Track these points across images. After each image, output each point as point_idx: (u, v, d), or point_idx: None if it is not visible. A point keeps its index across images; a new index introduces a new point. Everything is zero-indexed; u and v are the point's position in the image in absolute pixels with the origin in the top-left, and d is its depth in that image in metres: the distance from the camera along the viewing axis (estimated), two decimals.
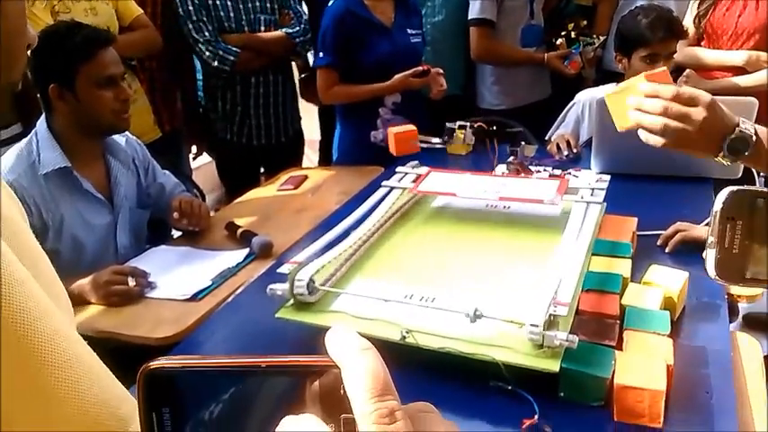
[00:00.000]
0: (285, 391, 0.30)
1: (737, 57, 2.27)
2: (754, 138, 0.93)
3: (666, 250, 1.42)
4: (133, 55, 2.29)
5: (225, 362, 0.30)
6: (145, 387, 0.29)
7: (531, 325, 0.94)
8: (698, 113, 0.97)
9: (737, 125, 0.96)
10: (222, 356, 0.30)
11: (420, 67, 2.25)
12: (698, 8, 2.35)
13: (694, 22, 2.36)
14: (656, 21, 2.06)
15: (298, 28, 2.51)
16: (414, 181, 1.56)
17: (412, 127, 1.94)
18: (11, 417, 0.30)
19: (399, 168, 1.64)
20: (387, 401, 0.27)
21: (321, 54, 2.28)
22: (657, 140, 1.00)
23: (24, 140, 1.59)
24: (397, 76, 2.23)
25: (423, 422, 0.29)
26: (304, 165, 2.87)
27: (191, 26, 2.37)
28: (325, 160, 3.05)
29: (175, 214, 1.74)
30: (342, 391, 0.28)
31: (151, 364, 0.29)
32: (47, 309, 0.33)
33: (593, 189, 1.41)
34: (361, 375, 0.28)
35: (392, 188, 1.52)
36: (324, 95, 2.34)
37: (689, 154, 1.00)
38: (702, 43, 2.38)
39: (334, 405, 0.29)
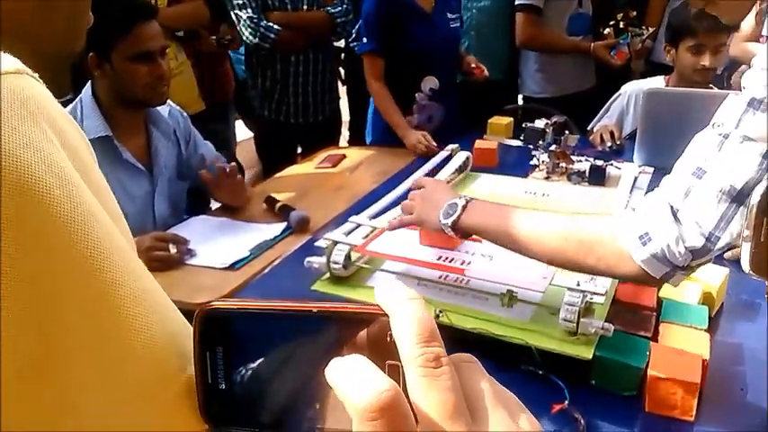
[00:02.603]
0: (334, 336, 0.31)
1: None
2: (459, 210, 0.98)
3: None
4: (181, 27, 2.32)
5: (278, 305, 0.31)
6: (201, 327, 0.31)
7: (568, 309, 0.94)
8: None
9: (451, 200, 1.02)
10: (276, 300, 0.31)
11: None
12: (760, 3, 2.28)
13: (755, 18, 2.29)
14: (704, 11, 2.02)
15: (340, 8, 2.50)
16: (366, 236, 1.24)
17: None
18: (81, 348, 0.31)
19: (353, 218, 1.34)
20: (433, 347, 0.28)
21: (365, 39, 2.25)
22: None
23: (70, 106, 1.62)
24: (415, 134, 2.18)
25: (466, 371, 0.30)
26: (341, 144, 2.89)
27: (234, 2, 2.39)
28: (354, 139, 3.05)
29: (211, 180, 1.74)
30: (388, 339, 0.29)
31: (208, 305, 0.31)
32: (120, 244, 0.34)
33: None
34: (409, 321, 0.28)
35: (336, 242, 1.19)
36: (370, 83, 2.28)
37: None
38: (761, 39, 2.31)
39: (381, 352, 0.29)
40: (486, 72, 2.28)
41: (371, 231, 1.26)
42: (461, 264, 1.11)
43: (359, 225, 1.30)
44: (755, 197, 0.54)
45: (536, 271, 1.04)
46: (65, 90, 1.69)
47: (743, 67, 2.27)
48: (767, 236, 0.54)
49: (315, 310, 0.30)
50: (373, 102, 2.36)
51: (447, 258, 1.13)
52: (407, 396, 0.28)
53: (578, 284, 0.99)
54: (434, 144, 2.12)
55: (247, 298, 0.31)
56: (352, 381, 0.28)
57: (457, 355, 0.31)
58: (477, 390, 0.30)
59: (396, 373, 0.29)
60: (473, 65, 2.31)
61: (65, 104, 1.65)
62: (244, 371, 0.31)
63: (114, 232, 0.34)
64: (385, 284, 0.31)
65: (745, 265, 0.55)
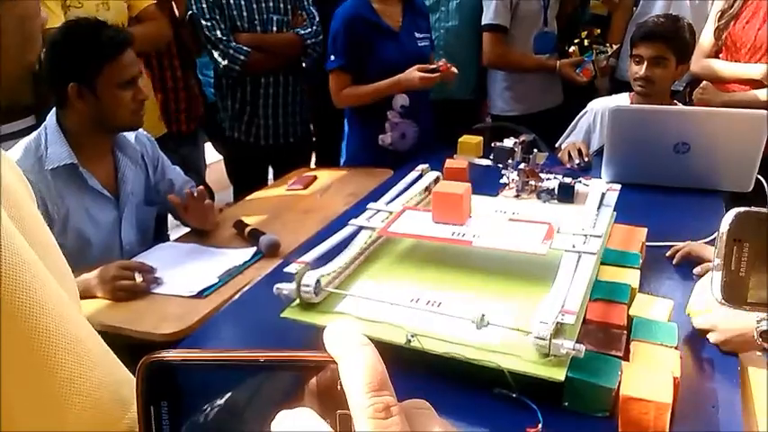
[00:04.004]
0: (283, 386, 0.30)
1: (756, 70, 2.25)
2: None
3: (673, 262, 1.42)
4: (142, 49, 2.29)
5: (224, 356, 0.30)
6: (144, 380, 0.29)
7: (539, 330, 0.94)
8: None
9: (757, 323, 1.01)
10: (221, 350, 0.30)
11: (431, 65, 2.23)
12: (718, 20, 2.34)
13: (714, 34, 2.34)
14: (646, 24, 2.12)
15: (310, 29, 2.51)
16: (385, 220, 1.35)
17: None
18: (11, 397, 0.30)
19: (371, 205, 1.43)
20: (383, 396, 0.27)
21: (332, 57, 2.27)
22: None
23: (33, 134, 1.60)
24: (404, 72, 2.19)
25: (418, 419, 0.29)
26: (312, 165, 2.88)
27: (203, 24, 2.37)
28: (321, 160, 3.04)
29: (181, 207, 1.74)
30: (339, 387, 0.28)
31: (150, 356, 0.29)
32: (54, 291, 0.33)
33: (585, 236, 1.24)
34: (359, 370, 0.28)
35: (361, 228, 1.32)
36: (336, 98, 2.32)
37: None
38: (720, 55, 2.37)
39: (331, 401, 0.29)
40: (454, 69, 2.27)
41: (348, 255, 1.25)
42: (472, 237, 1.22)
43: (378, 211, 1.39)
44: (724, 226, 0.54)
45: (537, 237, 1.19)
46: (26, 100, 1.66)
47: (704, 83, 2.32)
48: (738, 264, 0.54)
49: (262, 359, 0.29)
50: (359, 123, 2.37)
51: (460, 234, 1.25)
52: None
53: (573, 246, 1.14)
54: (440, 63, 2.17)
55: (193, 348, 0.30)
56: None
57: (410, 401, 0.30)
58: None
59: (347, 423, 0.28)
60: (440, 63, 2.29)
61: (27, 132, 1.61)
62: (190, 426, 0.30)
63: (47, 278, 0.33)
64: (335, 329, 0.30)
65: (717, 293, 0.55)
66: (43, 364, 0.31)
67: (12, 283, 0.30)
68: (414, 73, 2.18)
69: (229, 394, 0.30)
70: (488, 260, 1.28)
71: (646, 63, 2.06)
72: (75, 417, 0.32)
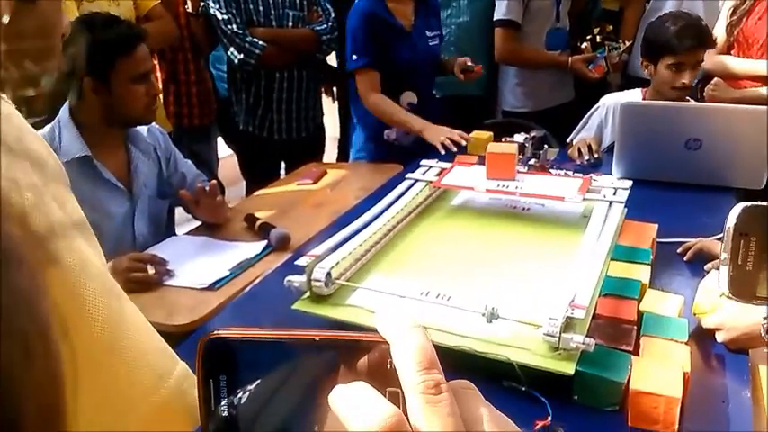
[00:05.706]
0: (335, 364, 0.32)
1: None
2: None
3: (684, 259, 1.41)
4: (149, 47, 2.30)
5: (281, 334, 0.31)
6: (204, 355, 0.31)
7: (549, 324, 0.94)
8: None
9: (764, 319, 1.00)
10: (278, 329, 0.32)
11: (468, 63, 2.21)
12: (730, 16, 2.32)
13: (726, 31, 2.32)
14: (685, 29, 2.02)
15: (325, 26, 2.52)
16: (437, 174, 1.56)
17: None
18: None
19: (424, 162, 1.63)
20: (433, 374, 0.29)
21: (354, 57, 2.21)
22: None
23: (47, 127, 1.61)
24: (433, 127, 2.15)
25: (465, 398, 0.31)
26: (325, 161, 2.89)
27: (220, 18, 2.38)
28: (344, 157, 3.07)
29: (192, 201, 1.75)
30: (389, 366, 0.30)
31: (210, 334, 0.31)
32: (96, 266, 0.34)
33: (615, 189, 1.40)
34: (411, 349, 0.29)
35: (416, 180, 1.53)
36: (366, 101, 2.24)
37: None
38: (732, 52, 2.35)
39: (381, 379, 0.30)
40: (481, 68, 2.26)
41: (357, 247, 1.25)
42: (515, 188, 1.42)
43: (429, 167, 1.59)
44: (731, 220, 0.54)
45: (573, 188, 1.39)
46: (44, 111, 1.69)
47: (715, 79, 2.31)
48: (745, 258, 0.54)
49: (317, 338, 0.31)
50: (365, 117, 2.36)
51: (507, 186, 1.43)
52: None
53: (605, 196, 1.36)
54: (463, 136, 2.09)
55: (250, 327, 0.32)
56: (356, 407, 0.28)
57: (456, 381, 0.32)
58: (476, 415, 0.30)
59: (396, 399, 0.29)
60: (469, 62, 2.27)
61: (41, 125, 1.63)
62: (247, 398, 0.31)
63: (90, 252, 0.34)
64: (385, 312, 0.31)
65: (725, 287, 0.55)
66: (85, 332, 0.33)
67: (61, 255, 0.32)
68: (440, 135, 2.10)
69: (284, 371, 0.32)
70: (503, 250, 1.28)
71: (691, 69, 2.02)
72: (118, 384, 0.34)
